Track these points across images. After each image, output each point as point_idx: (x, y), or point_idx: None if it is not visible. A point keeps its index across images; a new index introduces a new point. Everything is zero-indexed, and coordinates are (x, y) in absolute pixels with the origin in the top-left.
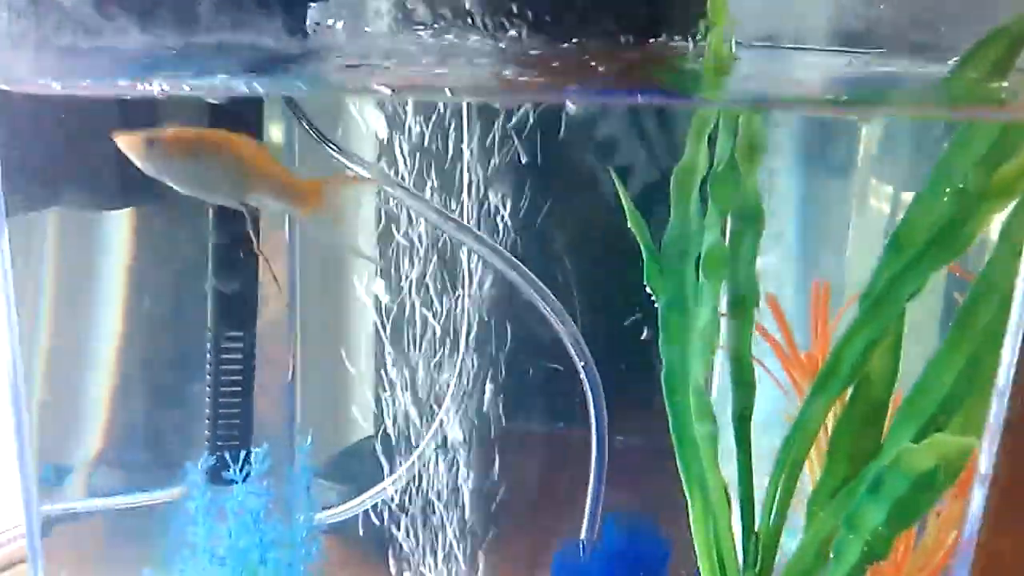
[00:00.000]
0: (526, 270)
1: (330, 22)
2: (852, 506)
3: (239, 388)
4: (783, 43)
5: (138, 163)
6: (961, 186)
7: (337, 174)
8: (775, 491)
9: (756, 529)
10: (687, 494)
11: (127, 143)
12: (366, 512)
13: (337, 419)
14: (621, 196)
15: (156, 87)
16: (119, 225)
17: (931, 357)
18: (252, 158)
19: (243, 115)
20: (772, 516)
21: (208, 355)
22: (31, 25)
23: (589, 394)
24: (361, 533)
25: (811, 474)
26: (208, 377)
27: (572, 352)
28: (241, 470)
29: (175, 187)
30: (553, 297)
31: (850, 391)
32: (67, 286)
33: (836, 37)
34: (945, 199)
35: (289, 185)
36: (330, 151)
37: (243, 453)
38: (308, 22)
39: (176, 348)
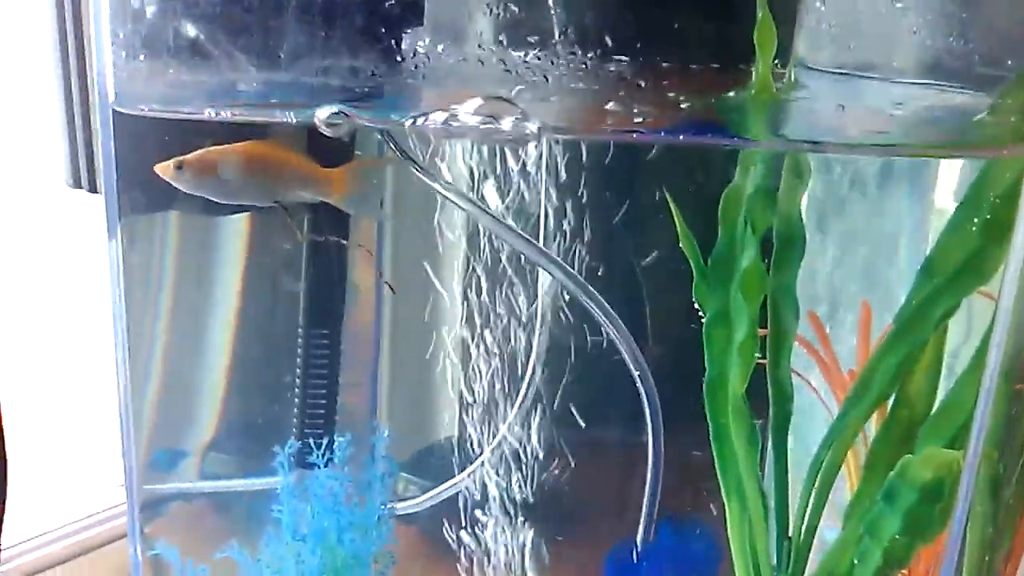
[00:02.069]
0: (584, 281)
1: (423, 48)
2: (872, 514)
3: (324, 381)
4: (867, 72)
5: (176, 184)
6: (988, 216)
7: (357, 159)
8: (808, 498)
9: (790, 534)
10: (725, 499)
11: (161, 169)
12: (439, 508)
13: (423, 416)
14: (675, 216)
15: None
16: (229, 229)
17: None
18: (275, 161)
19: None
20: (805, 522)
21: (299, 350)
22: (141, 61)
23: (645, 402)
24: (434, 527)
25: (851, 487)
26: (298, 370)
27: (628, 361)
28: (323, 457)
29: (215, 200)
30: (609, 308)
31: (889, 408)
32: (183, 284)
33: (914, 68)
34: (973, 228)
35: (315, 176)
36: (417, 173)
37: (326, 441)
38: (403, 47)
39: (278, 344)
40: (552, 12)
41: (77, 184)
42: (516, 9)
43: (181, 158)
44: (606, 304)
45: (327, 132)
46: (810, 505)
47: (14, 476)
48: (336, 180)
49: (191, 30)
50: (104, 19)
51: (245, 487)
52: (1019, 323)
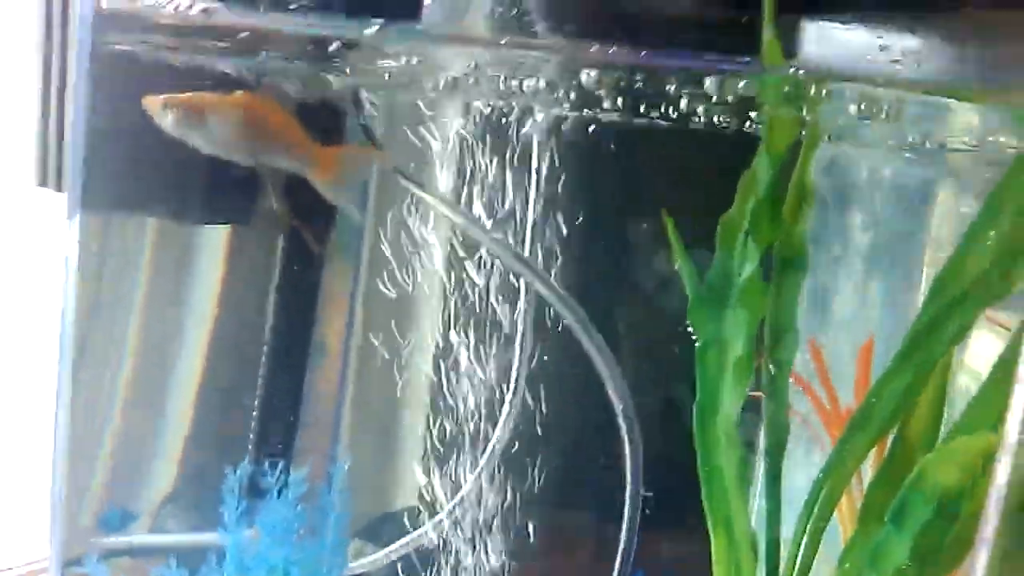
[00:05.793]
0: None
1: None
2: (876, 539)
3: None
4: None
5: (160, 124)
6: (1007, 229)
7: (354, 144)
8: (801, 535)
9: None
10: (711, 531)
11: (149, 104)
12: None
13: (382, 485)
14: (671, 236)
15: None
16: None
17: None
18: (267, 120)
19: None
20: (798, 560)
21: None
22: None
23: (626, 439)
24: None
25: (842, 528)
26: (258, 392)
27: (613, 394)
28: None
29: (198, 148)
30: (599, 336)
31: (888, 447)
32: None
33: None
34: (988, 244)
35: (306, 148)
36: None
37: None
38: None
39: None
40: None
41: (44, 183)
42: None
43: (170, 96)
44: (586, 318)
45: None
46: (803, 543)
47: None
48: (326, 160)
49: None
50: None
51: (190, 543)
52: None
